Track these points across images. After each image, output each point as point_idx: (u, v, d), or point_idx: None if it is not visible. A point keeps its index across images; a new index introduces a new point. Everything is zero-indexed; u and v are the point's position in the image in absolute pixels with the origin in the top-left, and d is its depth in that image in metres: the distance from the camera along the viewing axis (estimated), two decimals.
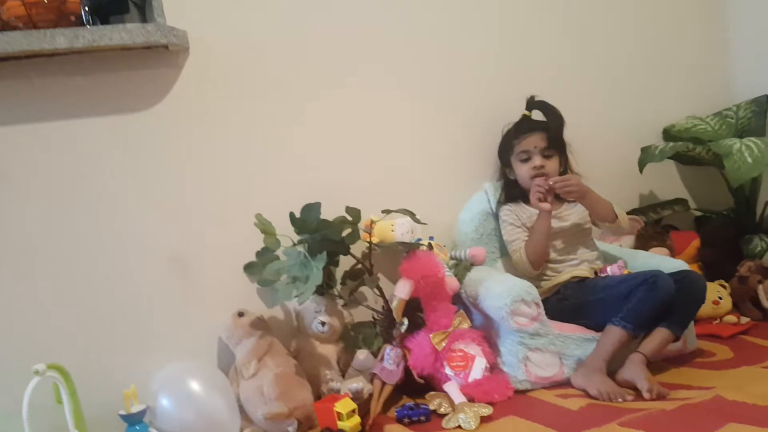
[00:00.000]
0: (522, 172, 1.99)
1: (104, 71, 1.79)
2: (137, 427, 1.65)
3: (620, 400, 1.59)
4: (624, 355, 1.71)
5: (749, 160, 1.96)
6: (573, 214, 1.99)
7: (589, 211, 1.97)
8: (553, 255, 1.96)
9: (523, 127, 2.03)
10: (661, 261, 1.91)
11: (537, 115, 2.07)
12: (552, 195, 1.90)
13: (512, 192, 2.03)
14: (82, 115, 1.79)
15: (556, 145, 1.98)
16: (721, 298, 2.08)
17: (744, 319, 2.06)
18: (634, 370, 1.65)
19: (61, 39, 1.63)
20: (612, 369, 1.71)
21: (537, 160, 1.95)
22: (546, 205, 1.89)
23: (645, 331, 1.73)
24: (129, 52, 1.79)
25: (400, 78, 2.10)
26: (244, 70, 1.93)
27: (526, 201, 1.98)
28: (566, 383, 1.76)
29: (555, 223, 1.96)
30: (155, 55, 1.82)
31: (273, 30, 1.95)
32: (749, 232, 2.25)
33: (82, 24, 1.72)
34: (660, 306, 1.70)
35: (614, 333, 1.71)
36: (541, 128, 2.00)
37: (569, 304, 1.87)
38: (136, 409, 1.66)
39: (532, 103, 2.07)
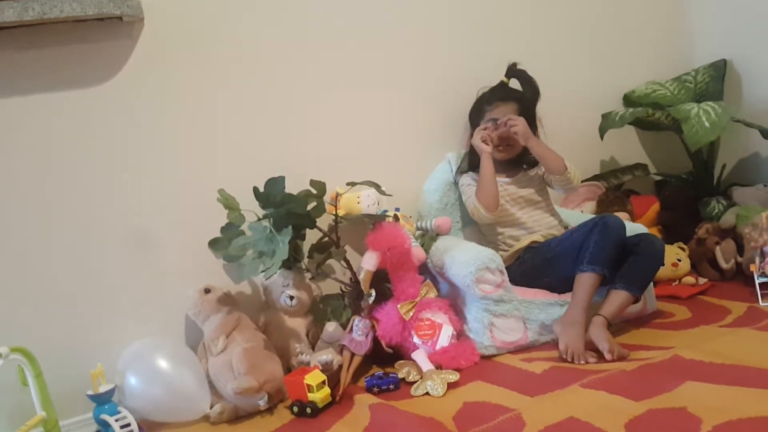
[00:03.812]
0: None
1: (56, 44, 1.74)
2: (106, 407, 1.64)
3: (582, 362, 1.63)
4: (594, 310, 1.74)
5: (707, 124, 1.99)
6: (530, 180, 2.02)
7: (539, 160, 1.98)
8: (514, 222, 1.98)
9: (497, 94, 2.04)
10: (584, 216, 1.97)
11: (514, 84, 2.07)
12: (497, 139, 1.95)
13: (476, 160, 2.02)
14: (34, 90, 1.73)
15: (526, 117, 1.97)
16: (680, 260, 2.14)
17: (702, 280, 2.12)
18: (595, 332, 1.69)
19: (9, 12, 1.57)
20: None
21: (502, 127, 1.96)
22: (486, 147, 1.94)
23: (611, 271, 1.75)
24: (81, 24, 1.73)
25: (363, 49, 2.08)
26: (202, 40, 1.89)
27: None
28: (530, 347, 1.80)
29: (513, 190, 1.99)
30: (109, 26, 1.77)
31: None
32: (707, 195, 2.31)
33: None
34: (617, 243, 1.75)
35: (585, 279, 1.74)
36: (514, 98, 2.01)
37: (529, 266, 1.90)
38: (103, 388, 1.65)
39: (512, 71, 2.06)
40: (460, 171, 2.09)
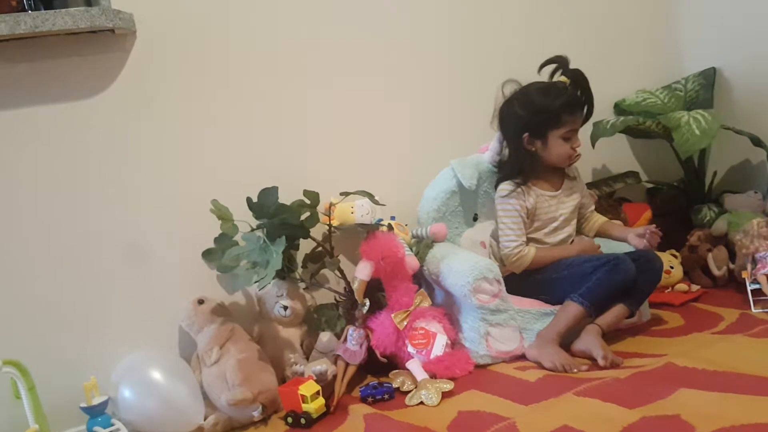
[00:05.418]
0: (562, 150, 1.83)
1: (49, 57, 1.73)
2: (99, 419, 1.63)
3: (575, 370, 1.64)
4: (580, 327, 1.75)
5: (697, 132, 2.00)
6: (570, 199, 1.95)
7: (602, 232, 1.99)
8: (542, 237, 1.92)
9: (578, 101, 1.82)
10: (618, 244, 1.95)
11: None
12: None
13: (530, 166, 1.88)
14: (26, 102, 1.73)
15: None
16: (672, 267, 2.14)
17: (694, 287, 2.13)
18: (589, 340, 1.71)
19: (1, 26, 1.57)
20: (568, 340, 1.75)
21: (578, 142, 1.84)
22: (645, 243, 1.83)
23: (600, 310, 1.76)
24: (74, 37, 1.73)
25: (357, 54, 2.08)
26: (194, 52, 1.89)
27: (537, 178, 1.90)
28: (526, 356, 1.80)
29: (554, 207, 1.91)
30: (101, 39, 1.77)
31: (222, 8, 1.91)
32: (699, 202, 2.32)
33: (23, 9, 1.66)
34: (617, 288, 1.75)
35: (571, 309, 1.76)
36: (585, 108, 1.85)
37: (534, 279, 1.88)
38: (97, 401, 1.64)
39: (575, 73, 1.83)
40: (513, 179, 1.89)
